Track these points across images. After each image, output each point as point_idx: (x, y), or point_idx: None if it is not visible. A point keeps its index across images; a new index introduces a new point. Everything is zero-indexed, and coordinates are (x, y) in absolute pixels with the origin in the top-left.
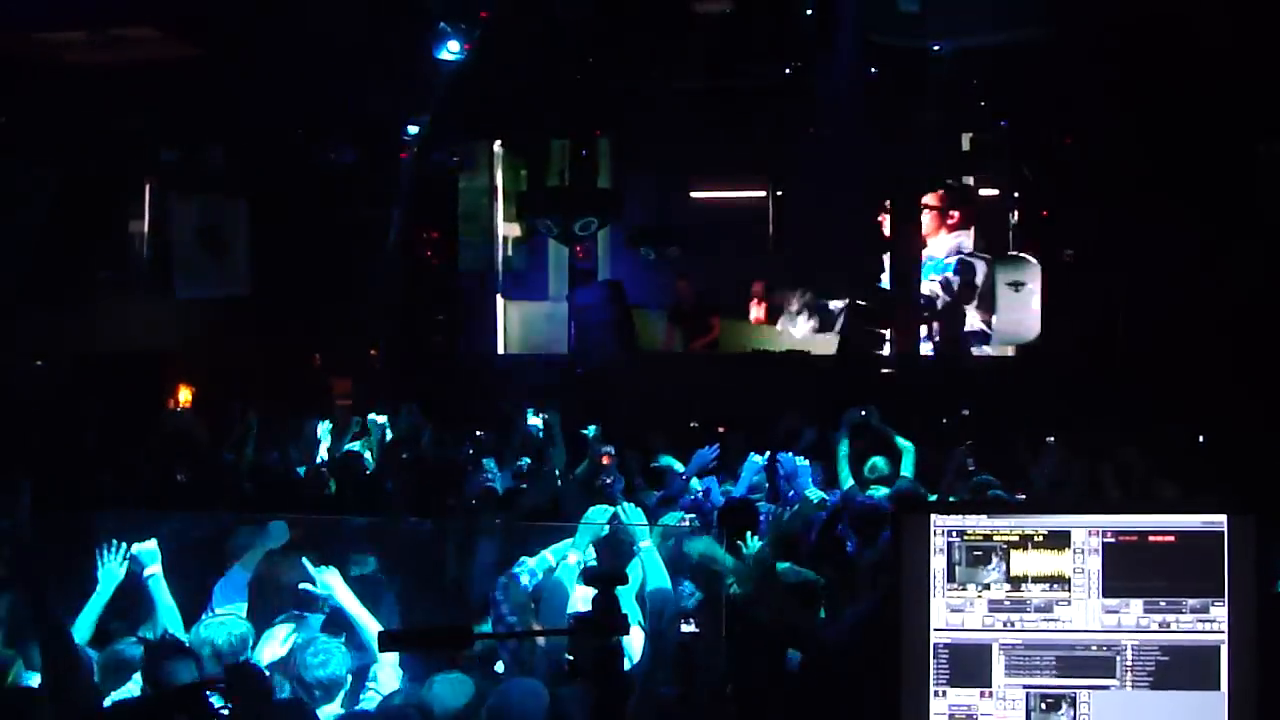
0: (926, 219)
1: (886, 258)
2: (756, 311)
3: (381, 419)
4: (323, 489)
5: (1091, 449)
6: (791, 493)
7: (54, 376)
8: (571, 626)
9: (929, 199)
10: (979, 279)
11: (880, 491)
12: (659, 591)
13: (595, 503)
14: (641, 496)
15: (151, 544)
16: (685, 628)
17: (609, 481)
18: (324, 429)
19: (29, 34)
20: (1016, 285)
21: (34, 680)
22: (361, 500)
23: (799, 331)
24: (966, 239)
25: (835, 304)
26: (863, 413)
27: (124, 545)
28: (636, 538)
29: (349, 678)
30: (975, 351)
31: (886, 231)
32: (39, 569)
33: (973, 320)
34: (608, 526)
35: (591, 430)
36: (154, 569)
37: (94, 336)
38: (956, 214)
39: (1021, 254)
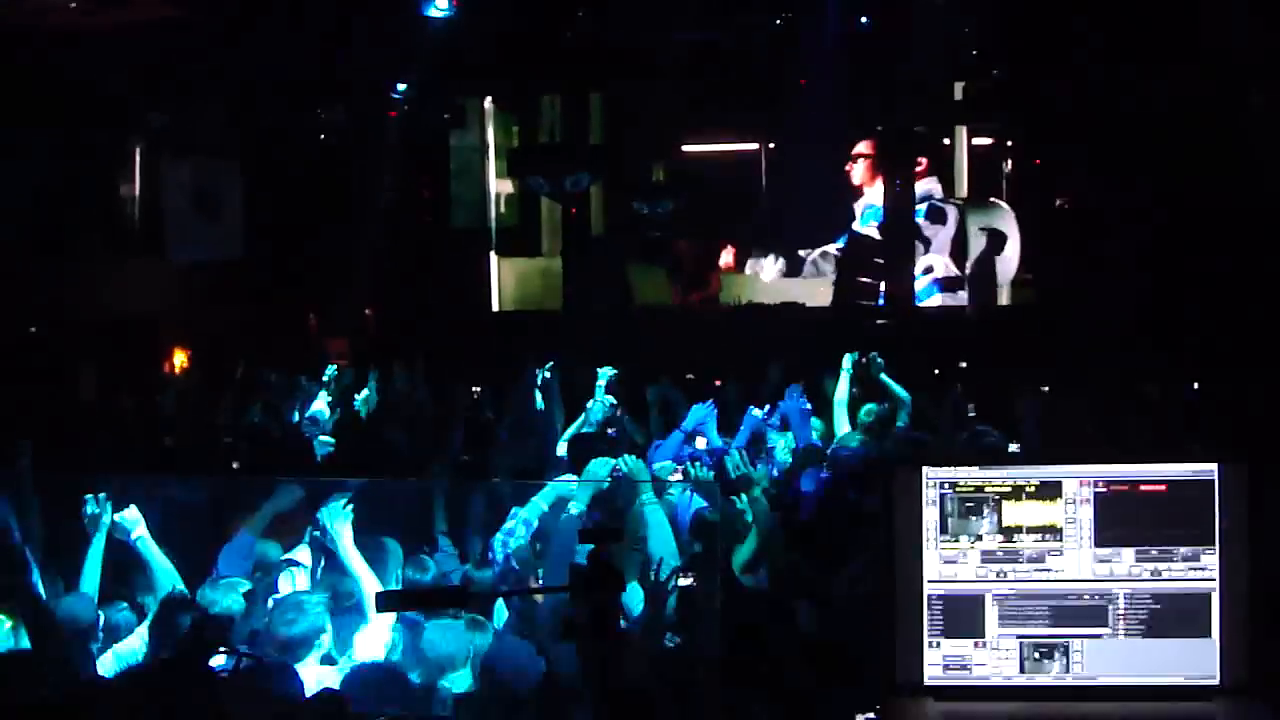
0: (861, 167)
1: (860, 206)
2: (725, 258)
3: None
4: (308, 448)
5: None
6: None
7: (48, 341)
8: (567, 583)
9: (862, 147)
10: (951, 225)
11: (854, 439)
12: (660, 546)
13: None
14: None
15: (132, 511)
16: (683, 581)
17: (613, 433)
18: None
19: None
20: (989, 231)
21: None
22: (358, 459)
23: (767, 276)
24: (935, 185)
25: (803, 251)
26: (863, 359)
27: (103, 497)
28: (640, 491)
29: (323, 634)
30: (948, 298)
31: (857, 180)
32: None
33: (947, 266)
34: (606, 481)
35: (605, 375)
36: (139, 531)
37: (87, 300)
38: (924, 161)
39: (994, 200)
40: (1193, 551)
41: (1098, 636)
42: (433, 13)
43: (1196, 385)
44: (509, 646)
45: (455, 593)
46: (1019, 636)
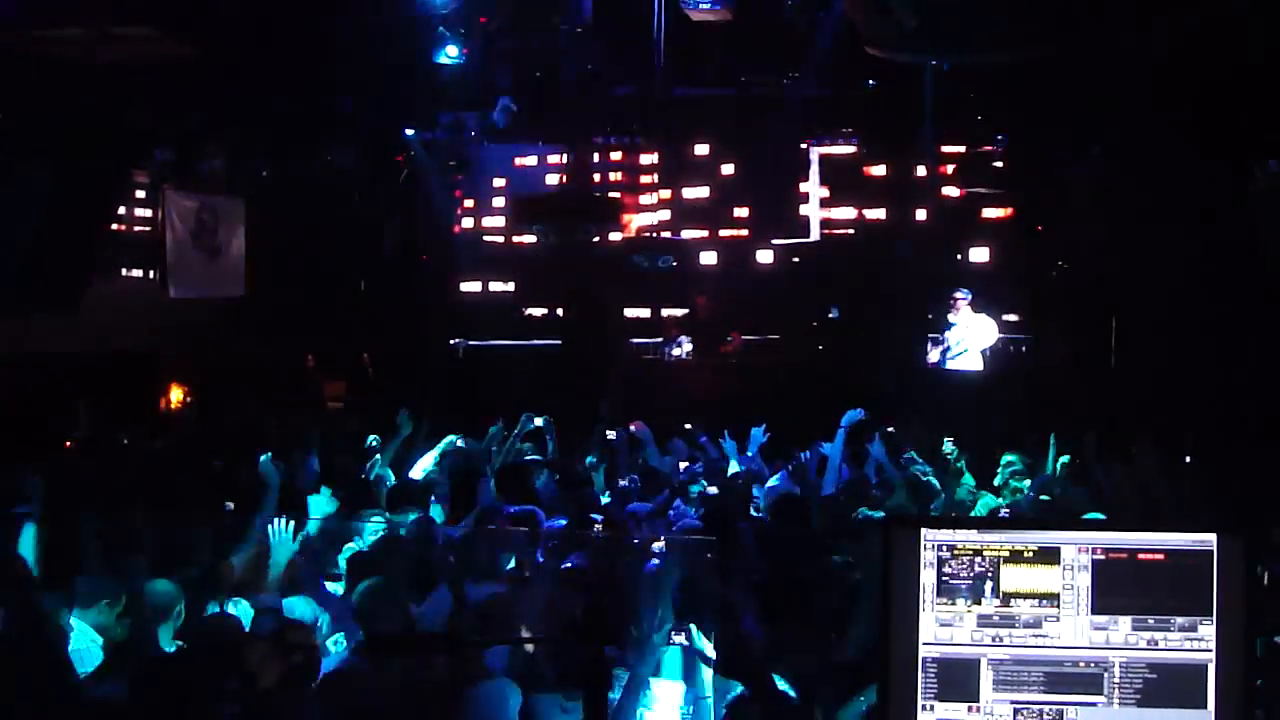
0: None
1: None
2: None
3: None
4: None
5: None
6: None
7: (44, 375)
8: (561, 633)
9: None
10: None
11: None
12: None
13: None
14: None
15: None
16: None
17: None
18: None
19: (27, 30)
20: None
21: None
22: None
23: None
24: None
25: None
26: (863, 415)
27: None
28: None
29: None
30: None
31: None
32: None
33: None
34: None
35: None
36: None
37: (87, 335)
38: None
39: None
40: (1190, 622)
41: (1093, 705)
42: (443, 60)
43: (1189, 459)
44: (487, 699)
45: (446, 640)
46: (1013, 703)
